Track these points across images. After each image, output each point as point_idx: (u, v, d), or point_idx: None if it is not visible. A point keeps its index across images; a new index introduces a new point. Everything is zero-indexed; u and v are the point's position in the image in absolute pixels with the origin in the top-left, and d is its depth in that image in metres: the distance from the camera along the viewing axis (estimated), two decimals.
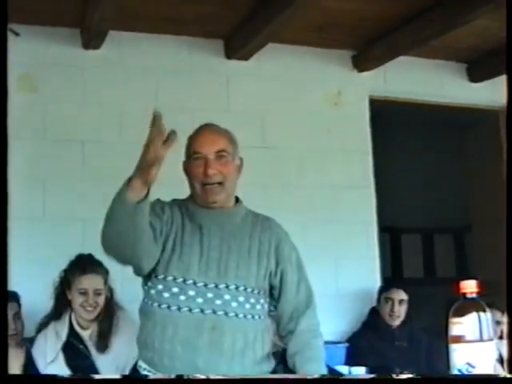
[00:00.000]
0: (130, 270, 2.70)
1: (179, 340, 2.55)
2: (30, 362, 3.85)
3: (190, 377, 2.10)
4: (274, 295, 2.77)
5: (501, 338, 2.80)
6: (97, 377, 1.70)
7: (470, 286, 1.94)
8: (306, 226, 5.25)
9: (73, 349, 3.83)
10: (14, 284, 4.13)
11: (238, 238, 2.70)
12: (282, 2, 4.50)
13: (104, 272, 3.91)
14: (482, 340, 1.89)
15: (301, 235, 5.18)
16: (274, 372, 2.77)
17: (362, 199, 5.54)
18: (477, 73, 5.89)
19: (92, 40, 4.86)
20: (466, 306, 1.92)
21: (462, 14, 4.62)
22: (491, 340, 1.91)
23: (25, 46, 4.79)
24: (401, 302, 5.01)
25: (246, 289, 2.64)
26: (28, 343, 3.96)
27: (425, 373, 4.57)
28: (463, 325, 1.90)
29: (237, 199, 2.85)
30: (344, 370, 4.41)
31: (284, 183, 5.35)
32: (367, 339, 4.96)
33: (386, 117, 6.05)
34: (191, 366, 2.50)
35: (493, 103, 5.64)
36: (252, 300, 2.65)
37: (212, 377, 2.22)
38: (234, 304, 2.59)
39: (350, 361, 4.77)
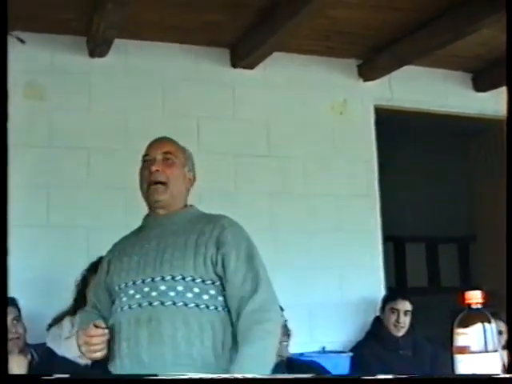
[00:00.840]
0: None
1: (124, 337, 2.61)
2: (33, 367, 3.83)
3: (191, 377, 2.09)
4: (223, 285, 2.70)
5: (504, 348, 2.79)
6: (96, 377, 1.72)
7: (475, 297, 1.93)
8: (311, 235, 5.25)
9: None
10: (16, 291, 4.18)
11: (176, 235, 2.73)
12: (287, 11, 4.50)
13: None
14: (486, 351, 1.88)
15: (305, 244, 5.23)
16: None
17: (366, 208, 5.53)
18: (482, 82, 5.89)
19: (98, 48, 4.86)
20: (470, 316, 1.92)
21: (469, 23, 4.62)
22: (496, 351, 1.90)
23: (31, 54, 4.81)
24: (406, 312, 4.98)
25: (184, 278, 2.63)
26: (32, 349, 3.95)
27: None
28: (468, 336, 1.89)
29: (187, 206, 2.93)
30: None
31: (289, 192, 5.34)
32: (371, 348, 4.94)
33: (391, 126, 6.04)
34: (137, 360, 2.55)
35: (498, 113, 5.63)
36: (196, 289, 2.63)
37: (213, 377, 2.25)
38: (172, 293, 2.59)
39: (354, 370, 4.74)
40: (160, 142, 2.90)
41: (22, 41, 4.72)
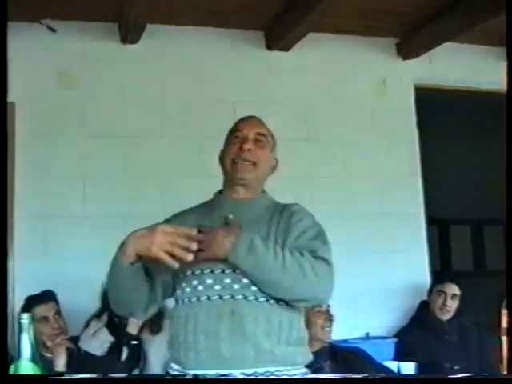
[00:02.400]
0: None
1: (201, 330, 2.49)
2: (75, 359, 3.84)
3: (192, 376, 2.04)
4: None
5: None
6: (96, 377, 1.69)
7: None
8: (352, 219, 5.18)
9: (116, 325, 3.94)
10: (54, 283, 4.17)
11: (257, 225, 2.62)
12: None
13: None
14: None
15: (347, 228, 5.15)
16: (317, 368, 2.67)
17: (409, 190, 5.43)
18: None
19: (130, 34, 4.81)
20: None
21: None
22: None
23: (62, 43, 4.79)
24: (453, 296, 4.89)
25: None
26: (73, 341, 3.96)
27: (475, 367, 4.47)
28: None
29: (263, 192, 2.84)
30: (393, 365, 4.33)
31: (329, 175, 5.26)
32: (416, 334, 4.86)
33: (432, 105, 5.91)
34: (217, 354, 2.45)
35: None
36: None
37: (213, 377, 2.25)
38: (254, 288, 2.49)
39: (399, 356, 4.68)
40: (252, 120, 2.83)
41: (52, 29, 4.69)
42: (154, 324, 3.94)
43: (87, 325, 4.02)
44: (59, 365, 3.74)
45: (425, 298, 5.04)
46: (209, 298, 2.50)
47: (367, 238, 5.17)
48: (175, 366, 2.57)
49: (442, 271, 7.02)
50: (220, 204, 2.74)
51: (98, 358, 3.81)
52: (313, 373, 3.25)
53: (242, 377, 2.39)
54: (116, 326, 3.95)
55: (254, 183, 2.72)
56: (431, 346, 4.70)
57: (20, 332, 1.81)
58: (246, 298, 2.49)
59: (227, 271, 2.51)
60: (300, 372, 2.52)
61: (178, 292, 2.61)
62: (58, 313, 4.01)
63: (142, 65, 5.00)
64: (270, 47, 5.26)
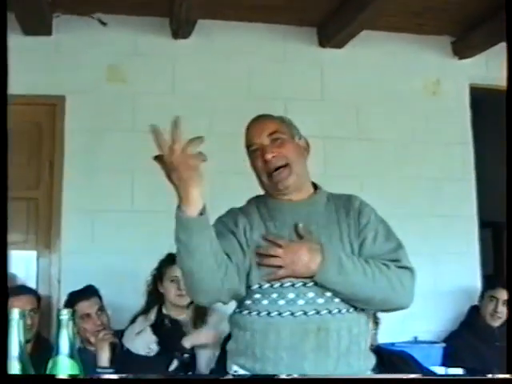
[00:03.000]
0: None
1: (283, 346, 2.39)
2: (119, 354, 3.83)
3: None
4: None
5: None
6: (96, 377, 1.66)
7: None
8: (404, 220, 5.03)
9: (161, 323, 3.90)
10: (99, 277, 4.17)
11: (328, 230, 2.49)
12: None
13: None
14: None
15: (397, 229, 5.01)
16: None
17: (462, 192, 5.32)
18: None
19: (181, 29, 4.79)
20: None
21: None
22: None
23: (114, 36, 4.80)
24: (505, 302, 4.77)
25: None
26: (117, 335, 3.93)
27: None
28: None
29: (315, 186, 2.65)
30: (440, 370, 4.24)
31: (381, 175, 5.18)
32: (466, 339, 4.76)
33: (488, 106, 5.77)
34: (299, 371, 2.35)
35: None
36: None
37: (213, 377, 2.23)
38: (337, 300, 2.41)
39: (447, 362, 4.60)
40: (259, 125, 2.58)
41: (103, 23, 4.69)
42: (198, 319, 3.90)
43: (133, 321, 3.98)
44: (103, 360, 3.73)
45: (475, 302, 4.93)
46: (292, 314, 2.39)
47: (418, 240, 5.04)
48: (244, 372, 2.47)
49: (494, 276, 6.89)
50: (278, 207, 2.55)
51: (142, 358, 3.77)
52: None
53: None
54: (164, 327, 3.91)
55: (298, 183, 2.54)
56: (481, 352, 4.59)
57: (59, 328, 1.77)
58: (330, 312, 2.40)
59: (309, 284, 2.41)
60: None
61: (248, 302, 2.46)
62: (101, 308, 3.99)
63: (192, 60, 4.98)
64: (322, 44, 5.20)
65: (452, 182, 5.30)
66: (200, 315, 3.88)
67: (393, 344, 4.66)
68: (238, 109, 4.89)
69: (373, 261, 2.42)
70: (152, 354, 3.77)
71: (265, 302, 2.42)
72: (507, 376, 1.75)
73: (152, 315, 3.94)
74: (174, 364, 3.72)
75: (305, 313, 2.38)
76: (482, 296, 4.88)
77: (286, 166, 2.49)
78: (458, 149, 5.38)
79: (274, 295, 2.41)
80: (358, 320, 2.45)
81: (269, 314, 2.41)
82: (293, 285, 2.40)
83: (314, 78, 5.19)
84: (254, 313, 2.44)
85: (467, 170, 5.38)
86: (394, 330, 4.77)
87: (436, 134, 5.33)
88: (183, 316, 3.93)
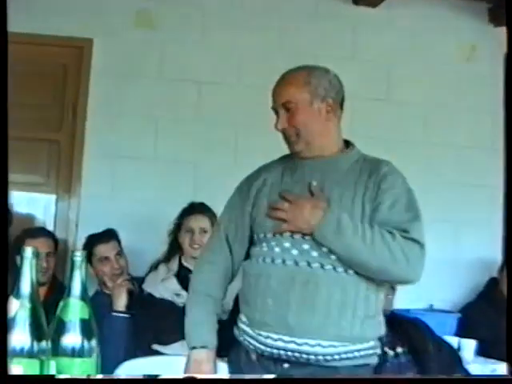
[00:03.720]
0: None
1: (270, 294, 2.42)
2: (136, 299, 3.80)
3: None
4: None
5: None
6: (97, 377, 1.65)
7: None
8: (428, 186, 5.01)
9: (184, 277, 3.79)
10: (120, 224, 4.15)
11: (342, 187, 2.47)
12: None
13: (211, 215, 3.89)
14: None
15: (421, 195, 4.97)
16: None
17: (489, 162, 5.22)
18: None
19: None
20: None
21: None
22: None
23: None
24: None
25: None
26: (135, 282, 3.91)
27: None
28: None
29: (347, 144, 2.63)
30: (454, 341, 4.21)
31: (407, 140, 5.11)
32: (482, 311, 4.72)
33: None
34: (282, 322, 2.38)
35: None
36: None
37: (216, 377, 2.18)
38: (333, 257, 2.38)
39: (461, 332, 4.56)
40: (278, 89, 2.57)
41: None
42: None
43: (155, 268, 3.94)
44: (119, 305, 3.70)
45: (495, 274, 4.88)
46: (284, 262, 2.42)
47: (441, 207, 5.02)
48: (244, 319, 2.53)
49: None
50: (301, 163, 2.55)
51: (167, 302, 3.75)
52: None
53: (288, 345, 2.36)
54: (187, 279, 3.90)
55: (312, 148, 2.51)
56: (496, 326, 4.55)
57: (72, 269, 1.76)
58: (322, 266, 2.38)
59: (307, 237, 2.41)
60: (369, 346, 2.43)
61: (256, 249, 2.53)
62: (120, 253, 3.97)
63: (223, 12, 4.90)
64: (356, 2, 5.10)
65: (480, 150, 5.21)
66: None
67: (408, 310, 4.62)
68: (267, 61, 4.83)
69: (379, 228, 2.36)
70: (181, 300, 3.74)
71: (265, 249, 2.48)
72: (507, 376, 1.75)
73: (174, 265, 3.89)
74: None
75: (296, 263, 2.40)
76: (502, 269, 4.82)
77: (297, 135, 2.51)
78: (489, 118, 5.27)
79: (273, 243, 2.46)
80: (356, 284, 2.39)
81: (264, 260, 2.47)
82: (292, 235, 2.43)
83: (345, 35, 5.11)
84: (254, 259, 2.52)
85: (496, 140, 5.29)
86: (409, 296, 4.75)
87: (467, 101, 5.25)
88: None
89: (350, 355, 2.38)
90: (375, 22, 5.13)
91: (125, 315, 3.67)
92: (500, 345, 4.29)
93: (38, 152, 4.68)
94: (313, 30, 5.02)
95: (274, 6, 4.97)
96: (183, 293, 3.73)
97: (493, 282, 4.85)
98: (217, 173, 4.65)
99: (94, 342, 1.73)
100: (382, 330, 2.54)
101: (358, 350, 2.39)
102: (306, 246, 2.40)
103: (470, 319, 4.71)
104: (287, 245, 2.43)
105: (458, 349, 4.08)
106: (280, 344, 2.38)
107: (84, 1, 4.71)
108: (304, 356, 2.36)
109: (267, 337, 2.40)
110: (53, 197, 4.76)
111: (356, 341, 2.38)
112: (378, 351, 2.47)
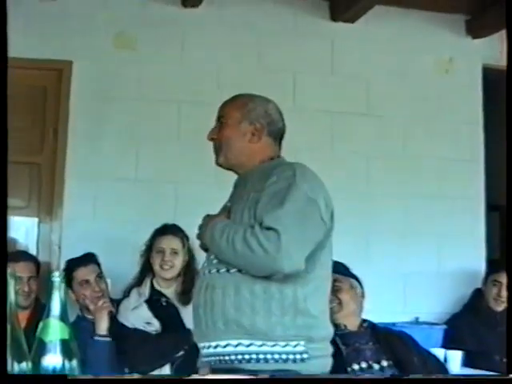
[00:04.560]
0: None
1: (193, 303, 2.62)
2: (116, 322, 3.80)
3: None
4: None
5: None
6: (99, 377, 1.65)
7: None
8: (409, 200, 5.06)
9: (156, 302, 3.89)
10: (100, 245, 4.14)
11: (241, 198, 2.58)
12: None
13: (183, 236, 3.96)
14: None
15: (403, 209, 5.05)
16: (356, 348, 2.55)
17: (470, 173, 5.27)
18: None
19: None
20: None
21: None
22: None
23: (124, 3, 4.74)
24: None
25: None
26: (115, 304, 3.91)
27: None
28: None
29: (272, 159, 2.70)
30: (440, 353, 4.20)
31: (388, 153, 5.13)
32: (468, 322, 4.73)
33: (500, 87, 5.70)
34: (197, 327, 2.57)
35: None
36: None
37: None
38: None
39: (448, 344, 4.53)
40: (221, 105, 2.81)
41: None
42: (184, 295, 3.86)
43: (127, 294, 3.95)
44: (101, 328, 3.69)
45: (479, 286, 4.89)
46: (204, 273, 2.60)
47: (423, 220, 5.05)
48: None
49: (499, 260, 6.85)
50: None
51: (139, 332, 3.75)
52: (352, 352, 3.27)
53: (216, 349, 2.43)
54: (159, 304, 3.90)
55: (232, 163, 2.68)
56: (482, 337, 4.56)
57: (51, 290, 1.77)
58: (218, 271, 2.50)
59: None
60: (296, 350, 2.39)
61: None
62: (100, 275, 3.96)
63: (201, 30, 4.90)
64: (334, 18, 5.12)
65: (460, 162, 5.23)
66: (186, 290, 3.83)
67: (394, 324, 4.63)
68: (246, 80, 4.84)
69: (245, 227, 2.41)
70: (153, 329, 3.75)
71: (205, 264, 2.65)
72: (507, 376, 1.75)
73: (146, 289, 3.91)
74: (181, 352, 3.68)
75: (204, 273, 2.58)
76: (486, 280, 4.83)
77: (218, 148, 2.70)
78: (468, 129, 5.32)
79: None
80: (251, 283, 2.42)
81: (203, 273, 2.62)
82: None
83: (324, 51, 5.11)
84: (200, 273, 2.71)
85: (476, 152, 5.32)
86: (395, 309, 4.76)
87: (446, 113, 5.27)
88: (171, 290, 3.91)
89: (268, 356, 2.38)
90: (353, 37, 5.15)
91: (107, 339, 3.67)
92: (486, 355, 4.32)
93: (18, 175, 4.65)
94: (292, 46, 5.05)
95: (253, 22, 4.98)
96: (154, 321, 3.78)
97: (477, 293, 4.86)
98: (198, 191, 4.64)
99: (74, 363, 1.73)
100: (310, 331, 2.45)
101: (279, 353, 2.39)
102: (212, 256, 2.57)
103: (456, 331, 4.70)
104: (210, 256, 2.60)
105: (445, 360, 4.07)
106: (208, 351, 2.49)
107: (62, 23, 4.70)
108: (227, 358, 2.43)
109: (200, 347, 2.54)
110: (35, 220, 4.74)
111: (266, 339, 2.38)
112: (306, 356, 2.40)
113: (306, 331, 2.43)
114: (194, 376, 2.18)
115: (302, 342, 2.40)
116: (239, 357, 2.40)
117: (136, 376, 1.66)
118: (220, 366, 2.43)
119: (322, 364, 2.48)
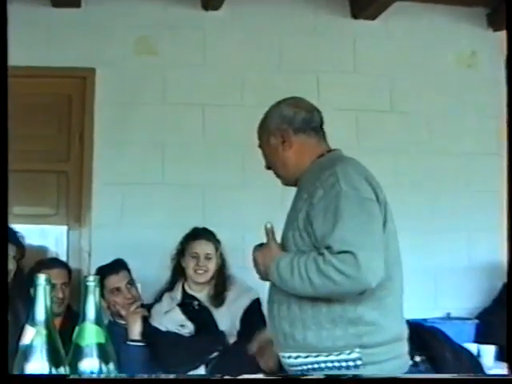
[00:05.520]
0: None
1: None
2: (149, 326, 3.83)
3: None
4: None
5: None
6: (98, 377, 1.66)
7: None
8: (437, 195, 5.03)
9: (188, 305, 3.92)
10: (129, 250, 4.16)
11: (289, 217, 2.59)
12: None
13: (215, 241, 3.98)
14: None
15: (431, 205, 5.01)
16: None
17: (496, 167, 5.21)
18: None
19: (212, 0, 4.72)
20: None
21: None
22: None
23: (142, 7, 4.76)
24: None
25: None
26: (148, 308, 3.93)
27: None
28: None
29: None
30: (473, 347, 4.19)
31: (413, 149, 5.10)
32: (499, 316, 4.66)
33: None
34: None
35: None
36: None
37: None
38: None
39: (480, 339, 4.53)
40: (257, 131, 2.77)
41: None
42: (217, 297, 3.90)
43: (159, 299, 3.97)
44: (134, 333, 3.73)
45: None
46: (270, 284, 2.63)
47: (452, 215, 5.02)
48: None
49: None
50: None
51: (172, 335, 3.78)
52: None
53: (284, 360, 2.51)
54: (192, 307, 3.92)
55: (289, 179, 2.69)
56: None
57: (85, 294, 1.78)
58: (274, 284, 2.53)
59: None
60: (350, 358, 2.38)
61: None
62: (131, 282, 3.98)
63: (222, 32, 4.92)
64: (355, 15, 5.11)
65: (486, 156, 5.18)
66: (218, 293, 3.89)
67: (425, 320, 4.61)
68: (268, 82, 4.85)
69: (313, 256, 2.33)
70: (187, 331, 3.77)
71: None
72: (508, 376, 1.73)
73: (178, 293, 3.93)
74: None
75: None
76: None
77: (274, 172, 2.73)
78: (493, 123, 5.26)
79: None
80: (298, 297, 2.44)
81: None
82: None
83: (346, 50, 5.11)
84: None
85: (501, 145, 5.27)
86: (426, 305, 4.74)
87: (470, 107, 5.23)
88: (203, 293, 3.92)
89: (322, 365, 2.40)
90: (375, 34, 5.14)
91: (140, 344, 3.70)
92: None
93: (46, 184, 4.70)
94: (313, 46, 5.04)
95: (274, 23, 4.99)
96: (188, 324, 3.81)
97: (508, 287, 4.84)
98: (225, 193, 4.66)
99: (111, 366, 1.74)
100: (357, 340, 2.42)
101: (325, 362, 2.40)
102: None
103: (487, 325, 4.67)
104: None
105: (478, 355, 4.05)
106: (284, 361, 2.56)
107: (84, 31, 4.73)
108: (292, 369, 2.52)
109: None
110: (64, 227, 4.77)
111: (318, 351, 2.40)
112: (360, 362, 2.39)
113: (357, 340, 2.38)
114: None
115: (357, 349, 2.38)
116: (299, 368, 2.44)
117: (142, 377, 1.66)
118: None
119: (391, 366, 2.41)
